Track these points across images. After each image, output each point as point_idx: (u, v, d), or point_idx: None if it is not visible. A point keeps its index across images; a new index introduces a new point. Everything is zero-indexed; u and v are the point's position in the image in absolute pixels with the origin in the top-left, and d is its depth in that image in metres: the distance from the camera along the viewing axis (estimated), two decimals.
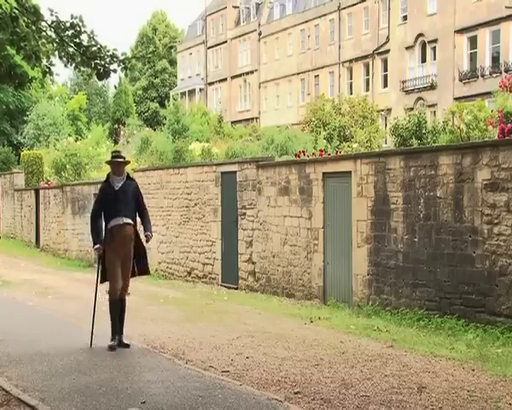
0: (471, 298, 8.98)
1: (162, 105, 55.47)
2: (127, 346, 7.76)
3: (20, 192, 28.07)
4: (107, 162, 8.27)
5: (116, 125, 47.44)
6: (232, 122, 45.15)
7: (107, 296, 7.98)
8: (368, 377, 6.28)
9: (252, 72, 53.18)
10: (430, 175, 9.66)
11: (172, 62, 65.60)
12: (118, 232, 7.68)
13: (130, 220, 7.76)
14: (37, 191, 26.14)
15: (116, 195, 7.71)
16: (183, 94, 58.91)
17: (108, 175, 7.97)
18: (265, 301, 11.95)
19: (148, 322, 9.65)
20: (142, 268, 8.13)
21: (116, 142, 37.32)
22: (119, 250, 7.70)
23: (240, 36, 55.04)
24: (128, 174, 8.10)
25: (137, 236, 7.96)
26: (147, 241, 7.89)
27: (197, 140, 30.46)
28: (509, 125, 9.60)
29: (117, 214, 7.68)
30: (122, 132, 37.58)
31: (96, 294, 8.10)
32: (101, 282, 7.98)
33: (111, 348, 7.63)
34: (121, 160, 7.94)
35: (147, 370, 6.57)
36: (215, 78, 57.87)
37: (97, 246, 7.71)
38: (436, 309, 9.44)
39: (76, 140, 29.56)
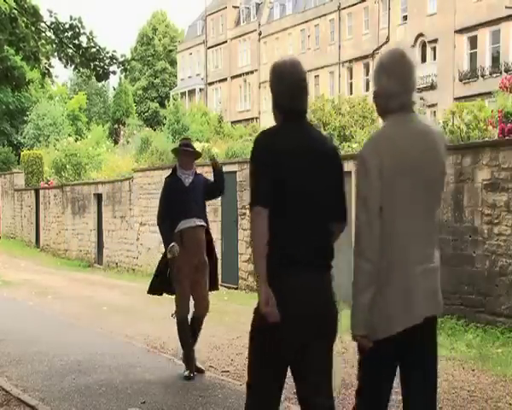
0: (471, 298, 8.97)
1: (162, 105, 55.51)
2: (202, 371, 6.35)
3: (20, 192, 28.06)
4: (173, 151, 6.69)
5: (116, 125, 47.42)
6: (232, 122, 45.14)
7: (175, 317, 6.30)
8: None
9: (252, 72, 53.19)
10: None
11: (172, 62, 65.62)
12: (190, 237, 6.16)
13: (203, 222, 6.31)
14: (37, 191, 26.13)
15: (186, 192, 6.22)
16: (183, 94, 58.93)
17: (174, 168, 6.50)
18: None
19: (148, 322, 9.65)
20: (212, 283, 6.47)
21: (116, 142, 37.30)
22: (193, 259, 6.17)
23: (240, 36, 55.05)
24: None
25: (211, 242, 6.53)
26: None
27: (197, 140, 30.46)
28: (509, 125, 9.58)
29: (188, 215, 6.18)
30: (122, 132, 37.55)
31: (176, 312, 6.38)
32: (148, 292, 6.59)
33: (187, 378, 6.14)
34: (192, 150, 6.42)
35: (147, 370, 6.57)
36: (215, 78, 57.87)
37: (172, 244, 6.08)
38: None
39: (76, 140, 29.54)
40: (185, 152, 6.32)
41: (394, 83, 2.99)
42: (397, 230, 2.95)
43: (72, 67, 7.62)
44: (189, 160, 6.37)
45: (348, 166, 11.39)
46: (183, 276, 6.12)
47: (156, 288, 6.50)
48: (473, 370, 6.61)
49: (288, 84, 3.14)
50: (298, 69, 3.17)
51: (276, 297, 2.93)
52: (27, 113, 43.12)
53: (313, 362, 3.05)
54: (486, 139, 10.59)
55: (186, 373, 6.16)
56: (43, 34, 7.48)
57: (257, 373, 3.07)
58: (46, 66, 7.65)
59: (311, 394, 3.07)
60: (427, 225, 3.05)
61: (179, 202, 6.18)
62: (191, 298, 6.30)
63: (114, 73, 7.79)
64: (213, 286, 6.49)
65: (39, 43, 7.32)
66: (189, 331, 6.21)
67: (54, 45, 7.52)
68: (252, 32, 53.50)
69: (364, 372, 3.18)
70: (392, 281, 2.94)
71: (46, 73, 7.73)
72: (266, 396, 3.07)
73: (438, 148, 3.03)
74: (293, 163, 3.03)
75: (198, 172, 6.58)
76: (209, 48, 58.88)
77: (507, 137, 9.26)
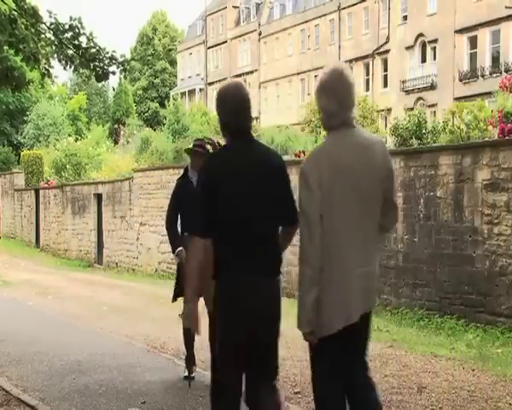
0: (471, 298, 8.97)
1: (162, 105, 55.50)
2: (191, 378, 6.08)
3: (20, 192, 28.06)
4: (186, 151, 6.41)
5: (116, 125, 47.44)
6: None
7: (181, 321, 6.59)
8: None
9: (252, 72, 53.19)
10: (430, 175, 9.65)
11: (172, 62, 65.63)
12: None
13: None
14: (37, 191, 26.13)
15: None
16: (183, 94, 58.94)
17: (186, 169, 6.26)
18: None
19: (149, 322, 9.64)
20: None
21: (116, 142, 37.31)
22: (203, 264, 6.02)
23: (240, 36, 55.06)
24: None
25: None
26: None
27: None
28: (509, 125, 9.58)
29: None
30: (122, 132, 37.56)
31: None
32: (173, 300, 6.30)
33: (187, 378, 6.09)
34: (202, 151, 6.07)
35: (147, 370, 6.57)
36: (215, 78, 57.85)
37: (179, 249, 6.03)
38: (436, 309, 9.44)
39: (76, 140, 29.55)
40: (195, 153, 6.08)
41: (333, 102, 3.23)
42: (336, 237, 3.19)
43: (72, 68, 7.61)
44: (199, 160, 5.94)
45: None
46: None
47: (179, 294, 6.20)
48: (473, 370, 6.60)
49: (232, 105, 3.40)
50: (241, 91, 3.45)
51: (228, 296, 3.33)
52: (27, 113, 43.13)
53: (261, 352, 3.44)
54: (486, 139, 10.59)
55: (186, 374, 6.13)
56: (43, 36, 7.48)
57: (219, 356, 3.47)
58: (46, 67, 7.64)
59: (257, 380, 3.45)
60: (366, 233, 3.26)
61: (189, 204, 5.75)
62: None
63: (114, 73, 7.78)
64: None
65: (39, 45, 7.31)
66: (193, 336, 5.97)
67: (53, 47, 7.52)
68: (252, 32, 53.51)
69: (315, 368, 3.41)
70: (332, 284, 3.19)
71: (46, 74, 7.73)
72: (230, 378, 3.40)
73: (377, 159, 3.25)
74: (236, 179, 3.33)
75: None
76: (209, 48, 58.89)
77: (507, 137, 9.26)
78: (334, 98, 3.23)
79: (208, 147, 5.98)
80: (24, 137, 42.95)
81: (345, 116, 3.24)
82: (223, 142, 3.84)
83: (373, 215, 3.28)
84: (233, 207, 3.33)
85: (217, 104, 3.53)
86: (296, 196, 3.37)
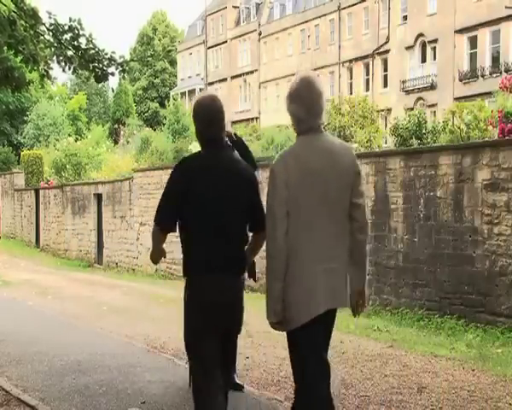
0: (471, 298, 8.97)
1: (162, 105, 55.51)
2: (241, 388, 5.72)
3: (20, 192, 28.07)
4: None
5: (116, 125, 47.47)
6: (232, 122, 45.18)
7: None
8: (368, 377, 6.27)
9: (252, 72, 53.20)
10: (430, 175, 9.66)
11: (172, 62, 65.65)
12: None
13: None
14: (37, 191, 26.14)
15: None
16: (183, 94, 58.93)
17: None
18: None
19: (149, 322, 9.65)
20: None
21: (116, 142, 37.32)
22: None
23: (240, 36, 55.06)
24: None
25: None
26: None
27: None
28: (509, 125, 9.59)
29: None
30: (122, 132, 37.58)
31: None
32: None
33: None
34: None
35: (147, 370, 6.57)
36: (215, 78, 57.87)
37: None
38: (436, 309, 9.44)
39: (76, 140, 29.54)
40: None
41: (302, 109, 3.45)
42: (302, 235, 3.37)
43: (71, 69, 7.61)
44: None
45: None
46: None
47: None
48: (473, 370, 6.61)
49: (205, 115, 3.66)
50: (215, 103, 3.69)
51: (191, 292, 3.56)
52: (27, 113, 43.15)
53: (224, 347, 3.64)
54: (486, 139, 10.60)
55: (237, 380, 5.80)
56: (42, 37, 7.48)
57: (194, 348, 3.64)
58: (45, 68, 7.63)
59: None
60: (332, 229, 3.42)
61: None
62: None
63: (113, 74, 7.78)
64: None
65: (38, 47, 7.30)
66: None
67: (52, 49, 7.51)
68: (252, 32, 53.51)
69: (291, 356, 3.58)
70: (297, 279, 3.37)
71: (45, 76, 7.72)
72: (209, 369, 3.58)
73: (344, 163, 3.45)
74: (204, 183, 3.54)
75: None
76: (209, 48, 58.89)
77: (507, 137, 9.26)
78: (303, 105, 3.45)
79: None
80: (24, 137, 42.96)
81: (313, 122, 3.45)
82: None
83: (338, 216, 3.45)
84: (200, 209, 3.53)
85: (192, 114, 3.75)
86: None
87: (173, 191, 3.58)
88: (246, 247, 3.71)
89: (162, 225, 3.64)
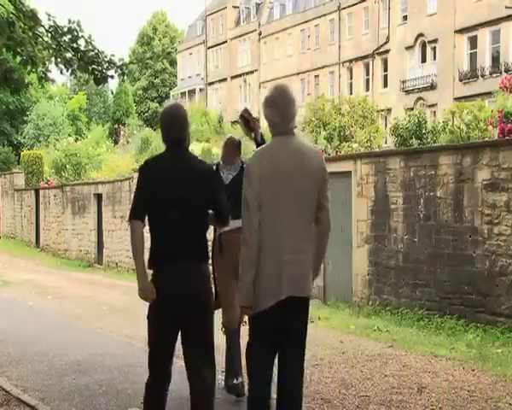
0: (471, 298, 8.97)
1: (162, 105, 55.37)
2: (240, 394, 5.44)
3: (20, 192, 28.06)
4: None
5: (116, 125, 47.45)
6: (232, 122, 45.13)
7: (222, 329, 5.70)
8: (368, 377, 6.28)
9: (252, 72, 53.20)
10: (430, 175, 9.66)
11: (172, 62, 65.64)
12: (230, 241, 5.36)
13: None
14: (37, 191, 26.13)
15: (226, 190, 4.93)
16: (183, 94, 58.95)
17: (218, 165, 5.76)
18: None
19: None
20: None
21: (116, 142, 37.31)
22: (236, 267, 5.36)
23: (240, 36, 55.06)
24: (243, 162, 5.55)
25: None
26: None
27: (197, 140, 30.46)
28: (509, 125, 9.59)
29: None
30: (122, 132, 37.57)
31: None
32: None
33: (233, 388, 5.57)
34: (232, 139, 5.67)
35: (147, 370, 6.55)
36: (215, 78, 57.87)
37: None
38: (436, 309, 9.44)
39: (76, 140, 29.54)
40: (225, 143, 5.72)
41: (276, 114, 3.83)
42: (272, 226, 3.72)
43: (70, 71, 7.59)
44: (227, 151, 5.67)
45: (348, 166, 11.40)
46: (229, 286, 5.38)
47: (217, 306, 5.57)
48: (473, 370, 6.61)
49: (168, 121, 4.06)
50: (178, 110, 4.09)
51: (157, 282, 3.88)
52: (27, 113, 43.15)
53: (193, 333, 3.96)
54: (486, 139, 10.59)
55: (235, 381, 5.57)
56: (41, 39, 7.46)
57: (152, 335, 4.01)
58: (43, 70, 7.62)
59: (192, 357, 4.01)
60: (299, 224, 3.77)
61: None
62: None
63: (112, 77, 7.77)
64: None
65: (36, 49, 7.28)
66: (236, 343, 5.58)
67: (51, 51, 7.49)
68: (252, 32, 53.50)
69: (249, 338, 3.90)
70: (266, 266, 3.72)
71: (43, 78, 7.71)
72: (160, 352, 4.02)
73: (311, 164, 3.79)
74: (163, 184, 3.91)
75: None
76: (209, 48, 58.88)
77: (507, 137, 9.26)
78: (277, 111, 3.83)
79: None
80: (24, 137, 42.97)
81: (286, 126, 3.83)
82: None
83: (305, 213, 3.79)
84: (161, 206, 3.91)
85: (159, 119, 4.17)
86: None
87: (139, 191, 3.97)
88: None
89: (137, 217, 3.96)
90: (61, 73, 7.57)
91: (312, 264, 3.88)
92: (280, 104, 3.85)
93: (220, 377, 5.65)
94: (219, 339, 5.55)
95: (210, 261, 5.59)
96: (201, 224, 4.00)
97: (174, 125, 4.04)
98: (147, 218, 3.96)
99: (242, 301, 3.80)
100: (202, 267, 3.99)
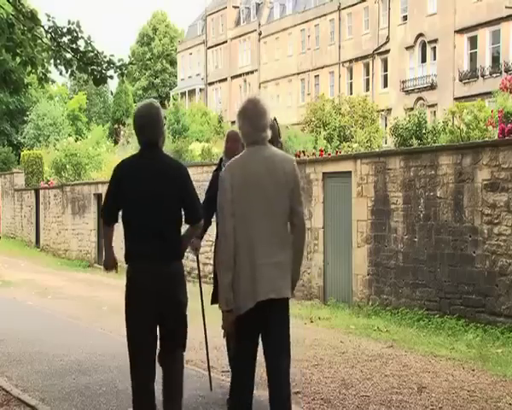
0: (471, 298, 8.98)
1: (162, 105, 55.29)
2: None
3: (20, 192, 28.06)
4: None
5: (116, 125, 47.42)
6: (232, 122, 45.09)
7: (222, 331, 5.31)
8: (368, 377, 6.27)
9: (252, 72, 53.19)
10: (430, 175, 9.66)
11: (172, 62, 65.61)
12: None
13: None
14: (37, 191, 26.12)
15: None
16: (183, 94, 58.93)
17: (220, 160, 5.73)
18: None
19: None
20: None
21: (116, 142, 37.31)
22: None
23: (240, 36, 55.06)
24: None
25: None
26: None
27: (197, 140, 30.47)
28: (509, 125, 9.60)
29: None
30: (122, 132, 37.56)
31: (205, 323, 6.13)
32: (211, 303, 5.62)
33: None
34: (236, 132, 5.34)
35: None
36: (215, 78, 57.87)
37: (193, 240, 4.94)
38: (436, 309, 9.44)
39: (76, 140, 29.55)
40: (227, 136, 5.64)
41: (247, 125, 3.99)
42: (246, 231, 3.86)
43: (69, 72, 7.59)
44: (229, 145, 5.54)
45: (348, 166, 11.41)
46: None
47: (215, 297, 5.52)
48: (473, 370, 6.61)
49: (139, 122, 4.18)
50: (150, 110, 4.19)
51: (130, 280, 4.07)
52: (27, 113, 43.13)
53: (167, 327, 4.16)
54: (486, 139, 10.60)
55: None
56: (40, 41, 7.46)
57: (128, 327, 4.19)
58: (43, 71, 7.62)
59: (166, 348, 4.26)
60: (272, 229, 3.90)
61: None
62: None
63: (112, 77, 7.76)
64: None
65: (35, 50, 7.28)
66: None
67: (50, 52, 7.49)
68: (252, 32, 53.50)
69: (235, 341, 4.07)
70: (243, 270, 3.84)
71: (43, 79, 7.70)
72: (139, 344, 4.19)
73: (281, 171, 3.93)
74: (135, 185, 4.06)
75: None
76: (209, 48, 58.88)
77: (507, 137, 9.27)
78: (248, 122, 3.98)
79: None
80: (24, 137, 42.95)
81: (257, 136, 3.96)
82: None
83: (278, 217, 3.92)
84: (131, 205, 4.07)
85: (132, 120, 4.33)
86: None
87: (110, 190, 4.16)
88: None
89: (105, 218, 4.28)
90: (61, 74, 7.58)
91: (291, 266, 3.98)
92: (251, 116, 4.00)
93: (222, 378, 5.63)
94: (220, 339, 5.56)
95: (212, 261, 5.77)
96: (173, 223, 4.10)
97: (146, 126, 4.15)
98: (120, 216, 4.11)
99: (224, 306, 3.89)
100: (175, 266, 4.11)
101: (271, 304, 3.86)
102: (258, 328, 3.95)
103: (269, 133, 4.07)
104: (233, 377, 4.11)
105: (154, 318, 4.08)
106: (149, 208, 4.01)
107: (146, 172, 4.07)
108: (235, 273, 3.85)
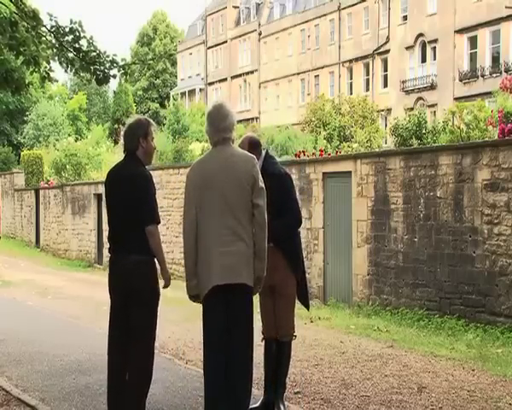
0: (471, 298, 8.98)
1: (162, 105, 55.45)
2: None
3: (20, 192, 28.06)
4: None
5: (116, 125, 47.45)
6: None
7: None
8: (368, 377, 6.28)
9: (252, 72, 53.19)
10: (430, 175, 9.66)
11: (173, 62, 65.58)
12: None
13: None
14: (37, 191, 26.12)
15: None
16: (183, 94, 58.93)
17: None
18: None
19: None
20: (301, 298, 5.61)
21: (116, 142, 37.31)
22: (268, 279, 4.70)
23: (240, 36, 55.05)
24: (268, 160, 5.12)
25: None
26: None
27: (197, 140, 30.46)
28: (509, 125, 9.60)
29: None
30: (122, 132, 37.56)
31: None
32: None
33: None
34: (249, 137, 5.18)
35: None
36: (215, 78, 57.86)
37: None
38: (436, 309, 9.44)
39: (76, 140, 29.56)
40: (241, 141, 5.17)
41: (211, 128, 4.50)
42: (205, 224, 4.35)
43: (73, 71, 7.59)
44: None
45: (348, 166, 11.40)
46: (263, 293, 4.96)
47: None
48: (473, 370, 6.61)
49: (124, 132, 4.87)
50: (131, 122, 4.86)
51: (109, 273, 4.79)
52: (27, 113, 43.14)
53: (131, 316, 4.67)
54: (486, 139, 10.60)
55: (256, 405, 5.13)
56: (44, 38, 7.45)
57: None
58: (46, 70, 7.62)
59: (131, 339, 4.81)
60: (229, 221, 4.31)
61: None
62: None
63: (114, 76, 7.77)
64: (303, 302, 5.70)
65: (40, 48, 7.27)
66: (271, 355, 5.30)
67: (54, 50, 7.49)
68: (252, 32, 53.49)
69: (202, 321, 4.48)
70: (201, 258, 4.35)
71: (46, 77, 7.70)
72: (112, 337, 5.03)
73: (240, 167, 4.34)
74: (109, 187, 4.85)
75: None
76: (209, 48, 58.87)
77: (507, 137, 9.27)
78: (212, 125, 4.48)
79: None
80: (24, 137, 42.96)
81: (220, 137, 4.42)
82: None
83: (236, 210, 4.31)
84: (109, 208, 4.84)
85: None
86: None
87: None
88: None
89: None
90: (65, 71, 7.58)
91: (255, 262, 4.35)
92: (214, 118, 4.46)
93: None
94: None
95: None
96: (135, 224, 4.56)
97: (124, 137, 4.83)
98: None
99: (189, 291, 4.43)
100: (141, 263, 4.54)
101: (232, 290, 4.29)
102: (223, 315, 4.33)
103: (232, 135, 4.45)
104: (206, 368, 4.45)
105: (124, 311, 4.77)
106: (117, 211, 4.78)
107: (117, 178, 4.82)
108: (197, 262, 4.34)
